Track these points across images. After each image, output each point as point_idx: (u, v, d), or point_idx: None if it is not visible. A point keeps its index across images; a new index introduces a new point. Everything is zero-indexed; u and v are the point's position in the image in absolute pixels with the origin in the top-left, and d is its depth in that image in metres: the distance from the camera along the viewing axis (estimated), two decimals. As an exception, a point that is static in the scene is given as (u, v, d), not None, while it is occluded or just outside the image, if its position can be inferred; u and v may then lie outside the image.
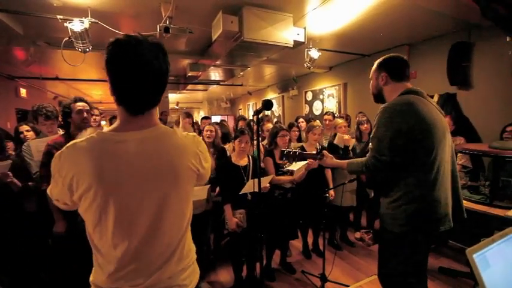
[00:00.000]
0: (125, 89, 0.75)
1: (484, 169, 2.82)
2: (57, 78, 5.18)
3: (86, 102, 1.88)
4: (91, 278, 0.82)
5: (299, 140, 3.70)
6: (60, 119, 2.23)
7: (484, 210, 2.13)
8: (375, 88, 1.50)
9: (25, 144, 2.11)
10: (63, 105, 1.86)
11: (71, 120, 1.84)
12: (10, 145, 2.49)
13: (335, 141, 2.88)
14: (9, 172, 1.89)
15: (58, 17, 2.53)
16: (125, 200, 0.75)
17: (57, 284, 1.94)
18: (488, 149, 2.25)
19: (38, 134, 2.37)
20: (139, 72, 0.74)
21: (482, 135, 3.29)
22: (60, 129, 2.33)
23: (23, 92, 5.70)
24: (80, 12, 2.59)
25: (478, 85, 3.38)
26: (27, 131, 2.40)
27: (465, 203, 2.25)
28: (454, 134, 3.05)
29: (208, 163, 0.93)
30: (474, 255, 0.74)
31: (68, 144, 0.74)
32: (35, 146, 2.03)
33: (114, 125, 0.79)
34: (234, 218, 2.14)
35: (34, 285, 1.98)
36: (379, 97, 1.50)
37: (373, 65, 1.51)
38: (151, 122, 0.81)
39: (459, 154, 2.89)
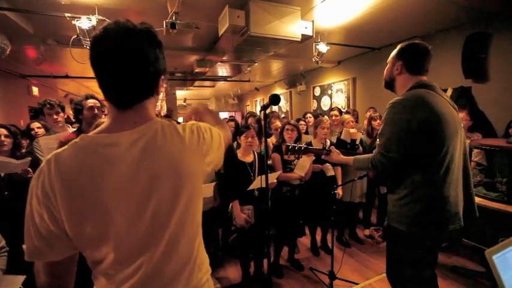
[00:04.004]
0: (105, 80, 0.68)
1: (500, 166, 2.71)
2: (67, 77, 5.27)
3: (96, 99, 1.90)
4: None
5: (306, 133, 3.67)
6: (71, 115, 2.27)
7: (501, 208, 2.05)
8: (388, 75, 1.44)
9: (35, 141, 2.15)
10: (75, 103, 1.91)
11: (82, 117, 1.88)
12: (26, 143, 2.55)
13: (342, 137, 2.83)
14: (29, 168, 1.94)
15: (66, 15, 2.56)
16: (126, 213, 0.64)
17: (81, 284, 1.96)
18: (506, 144, 2.16)
19: (47, 130, 2.42)
20: (117, 60, 0.65)
21: (498, 131, 3.16)
22: (70, 126, 2.37)
23: (35, 90, 5.83)
24: (87, 9, 2.60)
25: (495, 78, 3.23)
26: (38, 127, 2.46)
27: (481, 201, 2.20)
28: (471, 130, 2.95)
29: (215, 153, 0.82)
30: (494, 257, 0.70)
31: (50, 158, 0.63)
32: (44, 143, 2.07)
33: (103, 125, 0.69)
34: (242, 214, 2.14)
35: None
36: (389, 85, 1.44)
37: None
38: (145, 117, 0.70)
39: (474, 151, 2.79)
